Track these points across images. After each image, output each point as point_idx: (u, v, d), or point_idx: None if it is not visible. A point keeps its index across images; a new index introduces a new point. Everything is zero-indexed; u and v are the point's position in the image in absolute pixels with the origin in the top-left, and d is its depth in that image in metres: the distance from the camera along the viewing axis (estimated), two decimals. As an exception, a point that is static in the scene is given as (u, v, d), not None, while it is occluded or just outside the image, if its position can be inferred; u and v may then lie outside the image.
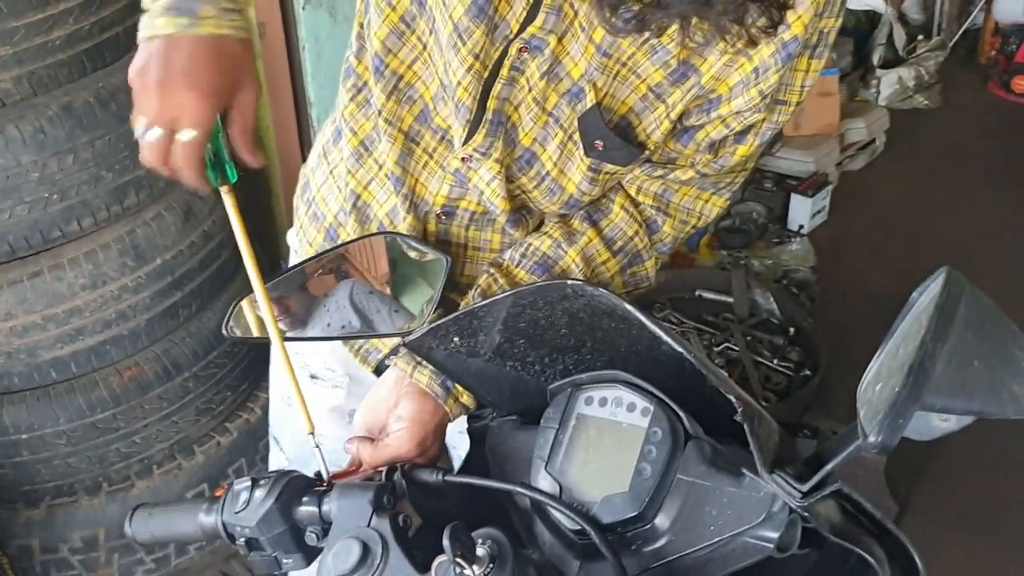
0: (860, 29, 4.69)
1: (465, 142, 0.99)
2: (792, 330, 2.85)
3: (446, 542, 0.70)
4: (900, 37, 4.73)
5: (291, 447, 1.36)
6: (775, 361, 2.75)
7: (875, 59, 4.65)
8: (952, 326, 0.60)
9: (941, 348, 0.58)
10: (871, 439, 0.60)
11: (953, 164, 4.04)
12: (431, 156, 1.04)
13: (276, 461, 1.42)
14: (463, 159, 1.01)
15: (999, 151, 4.11)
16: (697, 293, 3.14)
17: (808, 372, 2.66)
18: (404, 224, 1.06)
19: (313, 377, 1.27)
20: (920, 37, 4.86)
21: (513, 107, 0.98)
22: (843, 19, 0.91)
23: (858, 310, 2.99)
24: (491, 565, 0.72)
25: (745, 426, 0.73)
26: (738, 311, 3.01)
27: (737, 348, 2.83)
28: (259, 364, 2.14)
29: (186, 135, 0.90)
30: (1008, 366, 0.62)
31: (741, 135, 0.97)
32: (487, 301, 0.91)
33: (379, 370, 1.19)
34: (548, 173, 1.01)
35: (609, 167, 0.98)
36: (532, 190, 1.03)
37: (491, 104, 0.97)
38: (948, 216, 3.62)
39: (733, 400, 0.74)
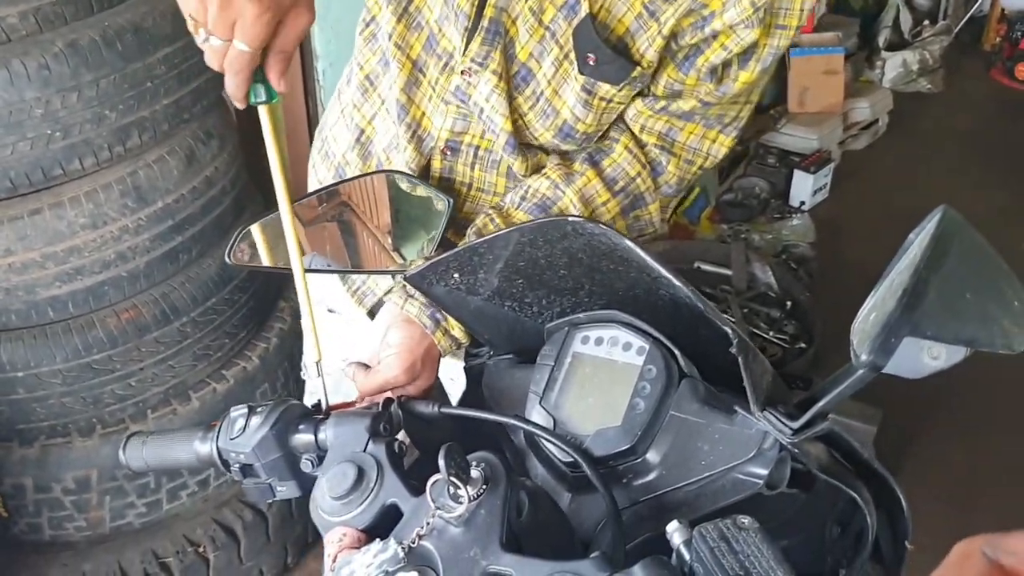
0: (867, 11, 4.68)
1: (463, 52, 1.01)
2: (789, 304, 2.87)
3: (441, 461, 0.71)
4: (906, 21, 4.72)
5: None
6: (771, 333, 2.77)
7: (881, 41, 4.64)
8: (946, 258, 0.60)
9: (935, 276, 0.58)
10: (863, 357, 0.61)
11: (954, 148, 4.05)
12: (434, 89, 1.05)
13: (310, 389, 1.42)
14: (463, 72, 1.03)
15: (999, 137, 4.11)
16: (696, 265, 3.14)
17: (803, 345, 2.68)
18: (405, 155, 1.07)
19: (330, 311, 1.29)
20: (926, 22, 4.86)
21: (511, 19, 1.00)
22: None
23: (855, 286, 2.98)
24: (484, 487, 0.72)
25: (739, 359, 0.74)
26: (736, 284, 3.02)
27: (734, 320, 2.85)
28: (258, 312, 2.14)
29: (240, 45, 0.87)
30: (999, 302, 0.63)
31: (743, 60, 0.98)
32: (488, 237, 0.91)
33: (373, 313, 1.21)
34: (543, 92, 1.02)
35: (603, 90, 0.99)
36: (528, 112, 1.04)
37: (488, 12, 0.98)
38: (946, 198, 3.55)
39: (728, 332, 0.75)
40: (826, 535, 0.90)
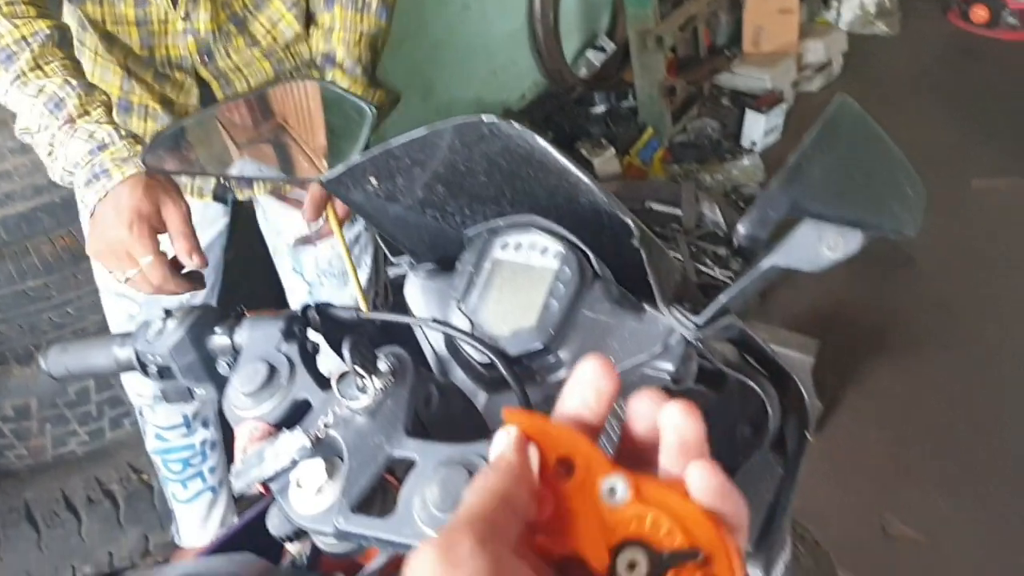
0: (826, -49, 4.66)
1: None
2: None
3: (346, 352, 0.71)
4: (864, -39, 4.71)
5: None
6: (717, 270, 2.80)
7: (837, -19, 4.63)
8: (837, 140, 0.61)
9: (820, 155, 0.59)
10: (742, 231, 0.62)
11: (909, 91, 4.07)
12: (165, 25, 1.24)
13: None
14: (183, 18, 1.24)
15: (955, 80, 4.14)
16: (647, 205, 3.16)
17: (747, 280, 2.70)
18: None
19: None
20: (885, -37, 4.85)
21: None
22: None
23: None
24: (391, 378, 0.73)
25: (642, 252, 0.75)
26: (686, 223, 3.04)
27: (682, 258, 2.87)
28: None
29: (144, 261, 1.10)
30: (892, 188, 0.64)
31: None
32: (403, 140, 0.91)
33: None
34: None
35: None
36: None
37: None
38: (900, 141, 3.62)
39: (630, 224, 0.75)
40: (737, 435, 0.92)
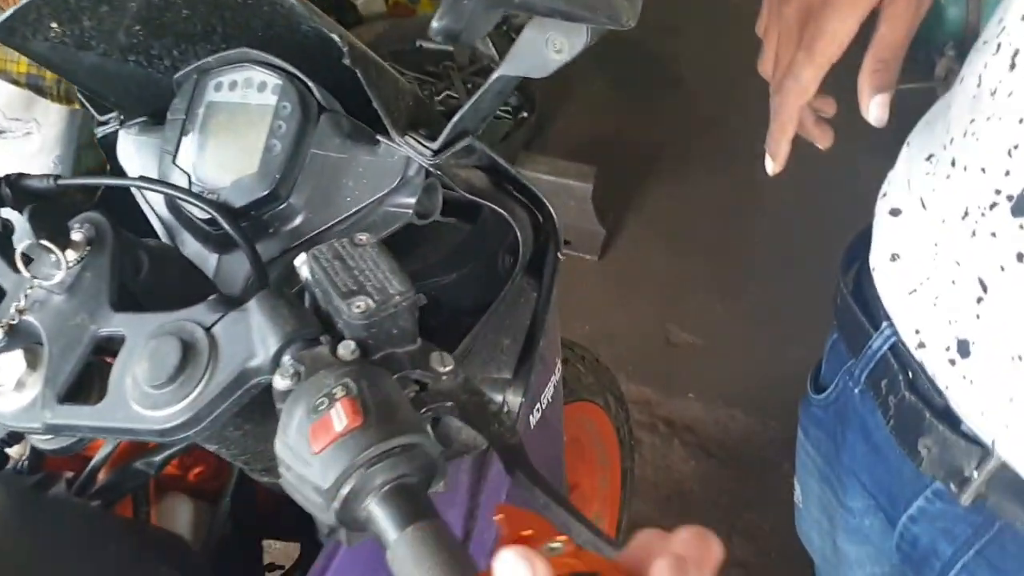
0: None
1: None
2: (510, 75, 2.84)
3: (27, 225, 0.61)
4: None
5: None
6: (494, 106, 2.76)
7: None
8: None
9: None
10: (434, 25, 0.56)
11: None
12: None
13: None
14: None
15: None
16: (418, 44, 3.03)
17: (525, 115, 2.69)
18: None
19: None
20: None
21: None
22: None
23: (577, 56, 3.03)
24: (88, 248, 0.64)
25: (359, 73, 0.68)
26: (459, 59, 2.95)
27: (458, 96, 2.80)
28: None
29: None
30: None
31: None
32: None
33: None
34: None
35: None
36: None
37: None
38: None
39: (336, 40, 0.68)
40: (499, 265, 0.90)
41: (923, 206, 0.69)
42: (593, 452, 1.47)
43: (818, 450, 0.94)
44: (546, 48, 0.65)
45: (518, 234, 0.78)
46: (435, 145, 0.73)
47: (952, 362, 0.66)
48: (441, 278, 0.87)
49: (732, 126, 2.68)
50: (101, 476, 0.78)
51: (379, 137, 0.75)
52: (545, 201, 0.79)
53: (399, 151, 0.74)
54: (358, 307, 0.56)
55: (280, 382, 0.55)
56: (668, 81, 2.89)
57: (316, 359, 0.55)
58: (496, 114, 2.70)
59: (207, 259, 0.80)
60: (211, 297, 0.62)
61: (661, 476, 1.90)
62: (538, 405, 0.97)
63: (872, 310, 0.80)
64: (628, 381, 2.06)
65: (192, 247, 0.82)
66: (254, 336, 0.58)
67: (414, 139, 0.73)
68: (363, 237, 0.59)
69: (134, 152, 0.88)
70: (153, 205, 0.86)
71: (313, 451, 0.50)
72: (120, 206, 0.84)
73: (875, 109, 0.70)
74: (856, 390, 0.84)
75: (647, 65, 2.95)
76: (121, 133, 0.89)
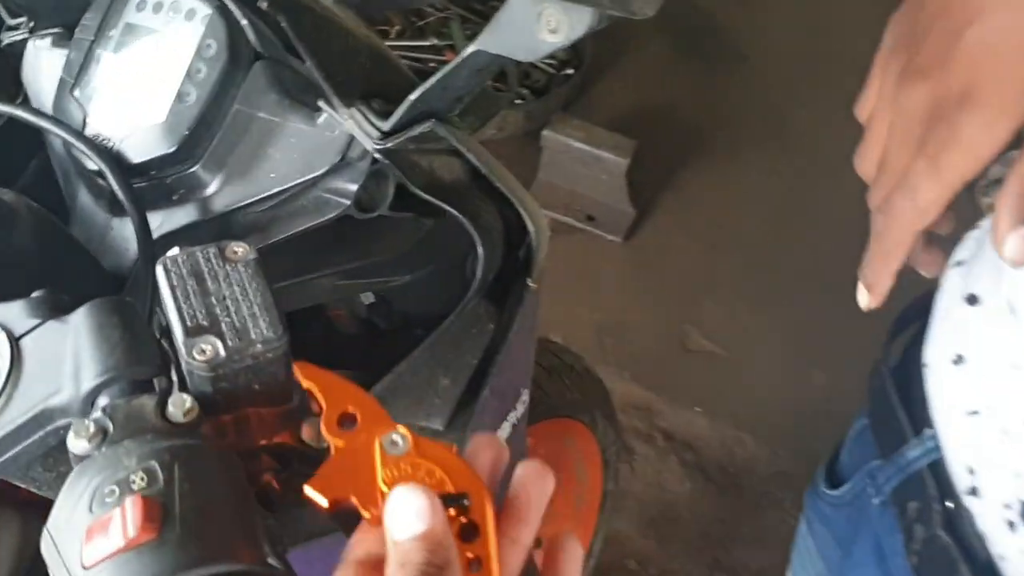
0: None
1: None
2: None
3: None
4: None
5: None
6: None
7: None
8: None
9: None
10: None
11: None
12: None
13: None
14: None
15: None
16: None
17: (570, 71, 2.48)
18: None
19: None
20: None
21: None
22: None
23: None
24: None
25: (281, 19, 0.51)
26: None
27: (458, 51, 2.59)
28: None
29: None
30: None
31: None
32: None
33: None
34: None
35: None
36: None
37: None
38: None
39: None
40: (468, 270, 0.73)
41: (1011, 309, 0.51)
42: (572, 468, 1.31)
43: (821, 552, 0.77)
44: (538, 24, 0.48)
45: (478, 248, 0.61)
46: (386, 126, 0.56)
47: (1012, 525, 0.50)
48: (391, 278, 0.71)
49: (796, 118, 2.46)
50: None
51: (321, 104, 0.58)
52: (526, 214, 0.62)
53: (343, 126, 0.57)
54: (201, 351, 0.40)
55: (76, 442, 0.39)
56: (733, 57, 2.65)
57: (132, 416, 0.40)
58: (537, 64, 2.50)
59: (97, 217, 0.65)
60: (37, 293, 0.47)
61: (650, 494, 1.74)
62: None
63: (916, 407, 0.63)
64: (631, 382, 1.90)
65: (84, 201, 0.66)
66: (67, 363, 0.43)
67: (362, 113, 0.56)
68: (239, 249, 0.43)
69: (43, 68, 0.72)
70: (53, 141, 0.70)
71: (83, 563, 0.35)
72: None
73: (1013, 244, 0.47)
74: (877, 500, 0.67)
75: (713, 36, 2.72)
76: (30, 43, 0.73)
